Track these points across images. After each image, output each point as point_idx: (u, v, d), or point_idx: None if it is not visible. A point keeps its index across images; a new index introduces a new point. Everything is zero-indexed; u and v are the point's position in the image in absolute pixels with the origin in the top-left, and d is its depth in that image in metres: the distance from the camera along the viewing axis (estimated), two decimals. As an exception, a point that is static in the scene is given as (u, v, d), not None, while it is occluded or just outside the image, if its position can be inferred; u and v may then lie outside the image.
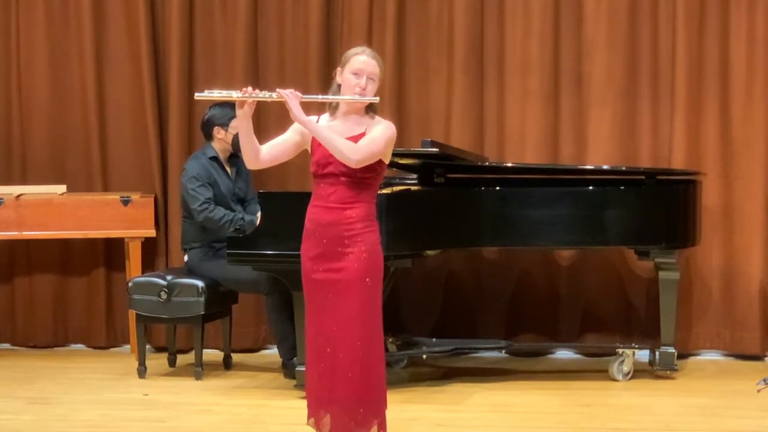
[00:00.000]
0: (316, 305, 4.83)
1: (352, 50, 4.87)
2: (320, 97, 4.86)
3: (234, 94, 4.74)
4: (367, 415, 4.81)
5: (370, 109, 4.85)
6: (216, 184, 6.92)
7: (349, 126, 4.82)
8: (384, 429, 4.87)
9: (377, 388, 4.83)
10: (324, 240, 4.79)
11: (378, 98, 4.81)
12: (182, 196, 7.02)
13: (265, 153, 4.85)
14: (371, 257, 4.78)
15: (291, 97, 4.68)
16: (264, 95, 4.73)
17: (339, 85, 4.85)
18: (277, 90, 4.73)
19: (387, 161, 4.85)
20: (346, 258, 4.76)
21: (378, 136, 4.74)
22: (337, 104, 4.84)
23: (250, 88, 4.72)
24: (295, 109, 4.67)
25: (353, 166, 4.68)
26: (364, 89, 4.78)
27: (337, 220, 4.77)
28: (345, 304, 4.75)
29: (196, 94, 4.90)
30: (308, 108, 4.80)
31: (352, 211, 4.77)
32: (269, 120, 7.19)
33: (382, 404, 4.87)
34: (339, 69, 4.86)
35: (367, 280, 4.76)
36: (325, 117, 4.88)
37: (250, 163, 4.86)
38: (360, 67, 4.79)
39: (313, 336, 4.86)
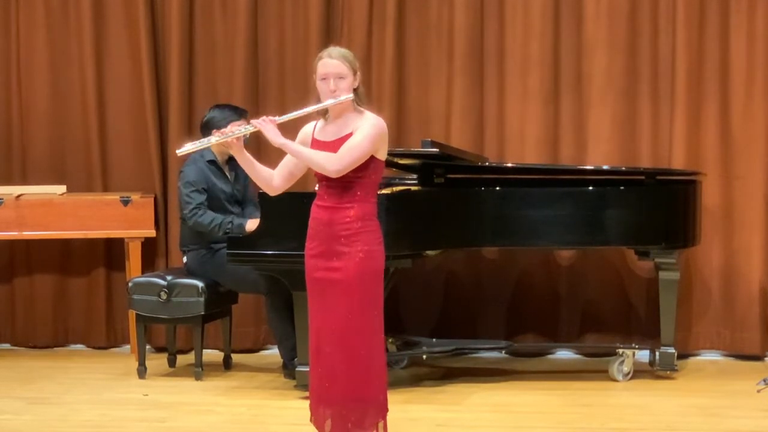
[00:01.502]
0: (317, 304, 4.86)
1: (318, 56, 4.90)
2: (294, 114, 4.87)
3: (213, 139, 4.89)
4: (366, 416, 4.81)
5: (357, 103, 4.86)
6: (213, 188, 6.91)
7: (338, 128, 4.85)
8: (385, 430, 4.87)
9: (376, 388, 4.83)
10: (323, 238, 4.82)
11: (350, 95, 4.81)
12: (179, 198, 7.02)
13: (278, 177, 4.94)
14: (369, 257, 4.79)
15: (264, 125, 4.76)
16: (241, 131, 4.83)
17: None
18: (251, 122, 4.83)
19: (382, 157, 4.86)
20: (343, 257, 4.79)
21: (357, 142, 4.74)
22: (326, 110, 4.86)
23: (228, 128, 4.81)
24: (270, 134, 4.76)
25: (333, 176, 4.73)
26: (334, 91, 4.80)
27: (335, 219, 4.80)
28: (343, 303, 4.77)
29: (177, 151, 4.98)
30: (309, 116, 4.91)
31: (350, 210, 4.79)
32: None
33: (383, 405, 4.87)
34: (314, 77, 4.89)
35: (365, 279, 4.77)
36: (321, 123, 4.91)
37: (269, 190, 4.98)
38: (324, 72, 4.83)
39: (314, 335, 4.88)
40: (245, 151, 4.86)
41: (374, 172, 4.83)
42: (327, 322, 4.81)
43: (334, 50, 4.88)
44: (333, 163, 4.72)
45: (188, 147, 4.91)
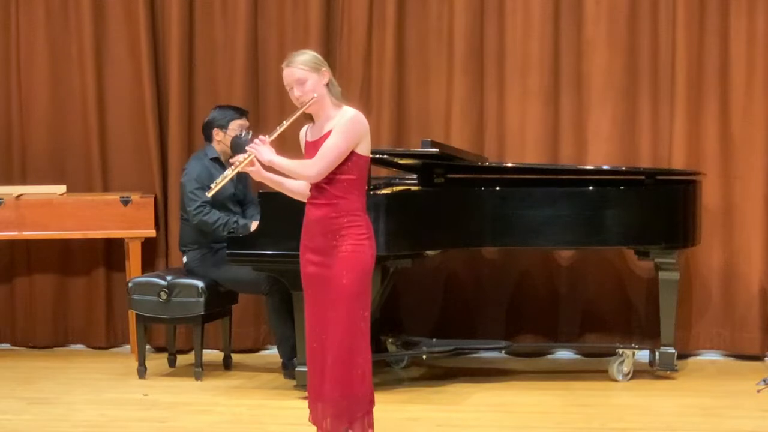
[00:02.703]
0: (309, 299, 4.95)
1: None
2: (279, 129, 4.93)
3: (228, 173, 4.96)
4: (350, 411, 4.84)
5: (333, 99, 4.89)
6: (216, 186, 6.92)
7: (320, 126, 4.92)
8: (371, 426, 4.89)
9: (359, 384, 4.85)
10: (313, 235, 4.90)
11: (314, 95, 4.84)
12: (181, 196, 7.03)
13: (305, 186, 4.97)
14: (355, 253, 4.84)
15: (257, 148, 4.84)
16: (242, 158, 4.89)
17: None
18: (247, 149, 4.91)
19: (365, 152, 4.90)
20: (331, 253, 4.85)
21: (332, 143, 4.80)
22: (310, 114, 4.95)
23: (236, 159, 4.88)
24: (263, 155, 4.83)
25: (313, 180, 4.83)
26: (299, 98, 4.87)
27: (323, 216, 4.86)
28: (329, 298, 4.84)
29: (207, 194, 5.19)
30: (301, 121, 4.97)
31: (336, 207, 4.85)
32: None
33: (369, 402, 4.90)
34: None
35: (351, 275, 4.82)
36: (311, 124, 4.97)
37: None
38: (286, 83, 4.93)
39: (307, 331, 4.94)
40: (265, 173, 4.93)
41: (358, 168, 4.86)
42: (316, 317, 4.88)
43: (291, 59, 4.93)
44: (308, 170, 4.82)
45: (213, 187, 5.02)
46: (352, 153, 4.83)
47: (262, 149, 4.83)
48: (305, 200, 5.00)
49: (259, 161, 4.88)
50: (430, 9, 7.53)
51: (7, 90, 7.82)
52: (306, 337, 4.96)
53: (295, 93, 4.87)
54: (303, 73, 4.86)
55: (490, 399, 6.41)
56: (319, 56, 4.96)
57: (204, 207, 6.85)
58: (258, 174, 4.91)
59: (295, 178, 4.90)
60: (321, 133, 4.87)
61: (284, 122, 4.92)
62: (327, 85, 4.89)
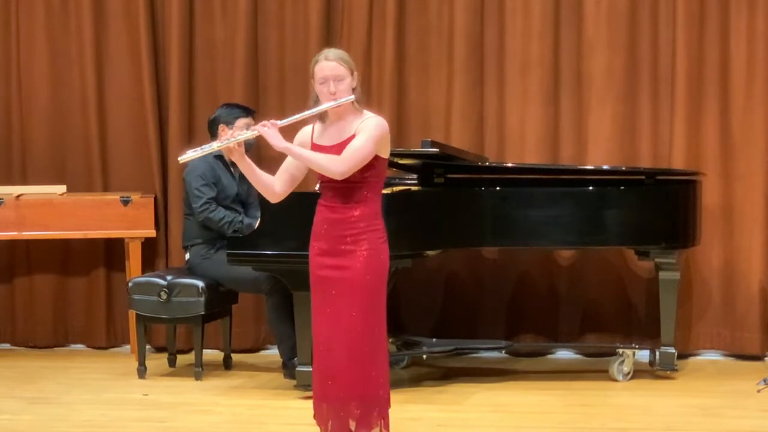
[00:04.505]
0: (321, 301, 4.88)
1: (313, 59, 4.88)
2: (297, 116, 4.84)
3: (215, 145, 4.85)
4: (369, 412, 4.83)
5: (356, 104, 4.85)
6: (220, 184, 6.92)
7: (338, 131, 4.85)
8: (387, 428, 4.88)
9: (379, 385, 4.85)
10: (329, 238, 4.84)
11: (352, 96, 4.80)
12: (185, 192, 7.03)
13: (279, 182, 4.91)
14: (374, 255, 4.81)
15: (266, 130, 4.74)
16: (243, 135, 4.79)
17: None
18: (253, 127, 4.82)
19: (386, 155, 4.87)
20: (349, 256, 4.80)
21: (361, 144, 4.74)
22: (324, 112, 4.85)
23: (229, 132, 4.78)
24: (273, 140, 4.73)
25: (338, 178, 4.73)
26: (334, 94, 4.79)
27: (342, 219, 4.81)
28: (347, 301, 4.79)
29: (179, 158, 4.94)
30: (306, 119, 4.88)
31: (356, 210, 4.81)
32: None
33: (385, 403, 4.89)
34: (312, 80, 4.87)
35: (369, 278, 4.79)
36: (318, 126, 4.90)
37: (271, 197, 4.95)
38: (323, 75, 4.81)
39: (317, 332, 4.90)
40: (246, 157, 4.84)
41: (379, 172, 4.85)
42: (332, 319, 4.82)
43: (331, 52, 4.86)
44: (337, 166, 4.71)
45: (190, 153, 4.88)
46: (376, 157, 4.79)
47: (272, 133, 4.72)
48: (270, 198, 4.94)
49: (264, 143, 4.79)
50: (430, 9, 7.53)
51: (7, 90, 7.82)
52: (315, 339, 4.91)
53: (331, 88, 4.77)
54: (343, 70, 4.80)
55: (490, 399, 6.41)
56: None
57: (210, 204, 6.86)
58: (239, 156, 4.78)
59: (318, 171, 4.77)
60: (341, 138, 4.80)
61: (304, 113, 4.82)
62: (354, 89, 4.85)
